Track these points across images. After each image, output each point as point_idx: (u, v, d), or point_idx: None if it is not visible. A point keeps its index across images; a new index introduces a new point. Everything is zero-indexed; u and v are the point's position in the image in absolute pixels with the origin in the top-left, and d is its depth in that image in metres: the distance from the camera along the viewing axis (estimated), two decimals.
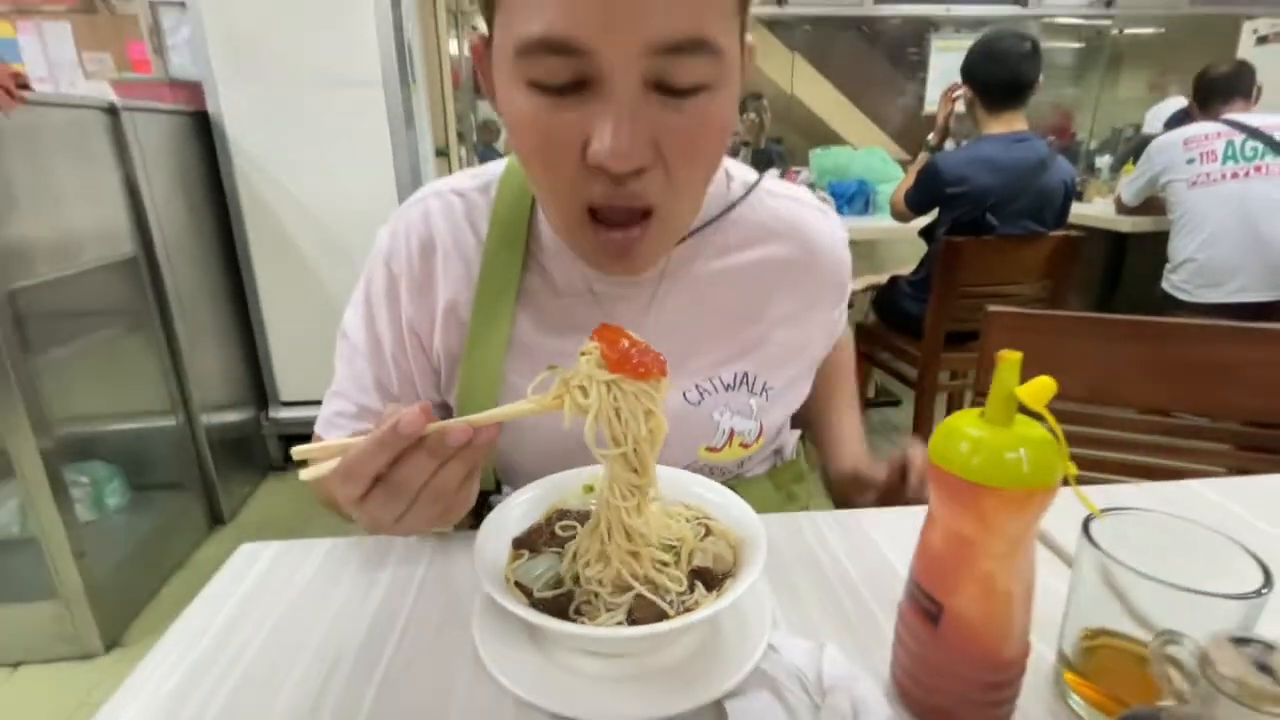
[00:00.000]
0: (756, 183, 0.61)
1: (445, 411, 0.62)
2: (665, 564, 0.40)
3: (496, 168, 0.60)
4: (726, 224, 0.59)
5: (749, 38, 0.46)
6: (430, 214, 0.58)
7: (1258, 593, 0.31)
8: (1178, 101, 3.54)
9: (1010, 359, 0.30)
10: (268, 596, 0.48)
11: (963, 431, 0.32)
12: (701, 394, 0.59)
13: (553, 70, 0.39)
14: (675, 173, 0.43)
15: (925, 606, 0.34)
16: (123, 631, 1.56)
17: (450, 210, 0.58)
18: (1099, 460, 0.96)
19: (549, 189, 0.45)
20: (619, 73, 0.38)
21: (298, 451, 0.40)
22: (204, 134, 1.96)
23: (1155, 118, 3.58)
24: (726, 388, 0.59)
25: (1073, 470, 0.31)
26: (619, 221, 0.45)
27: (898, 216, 2.08)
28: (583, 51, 0.37)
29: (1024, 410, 0.31)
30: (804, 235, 0.61)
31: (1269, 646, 0.25)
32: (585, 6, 0.37)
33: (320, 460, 0.39)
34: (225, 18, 1.87)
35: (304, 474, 0.40)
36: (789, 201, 0.62)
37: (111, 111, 1.61)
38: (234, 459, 2.06)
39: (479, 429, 0.38)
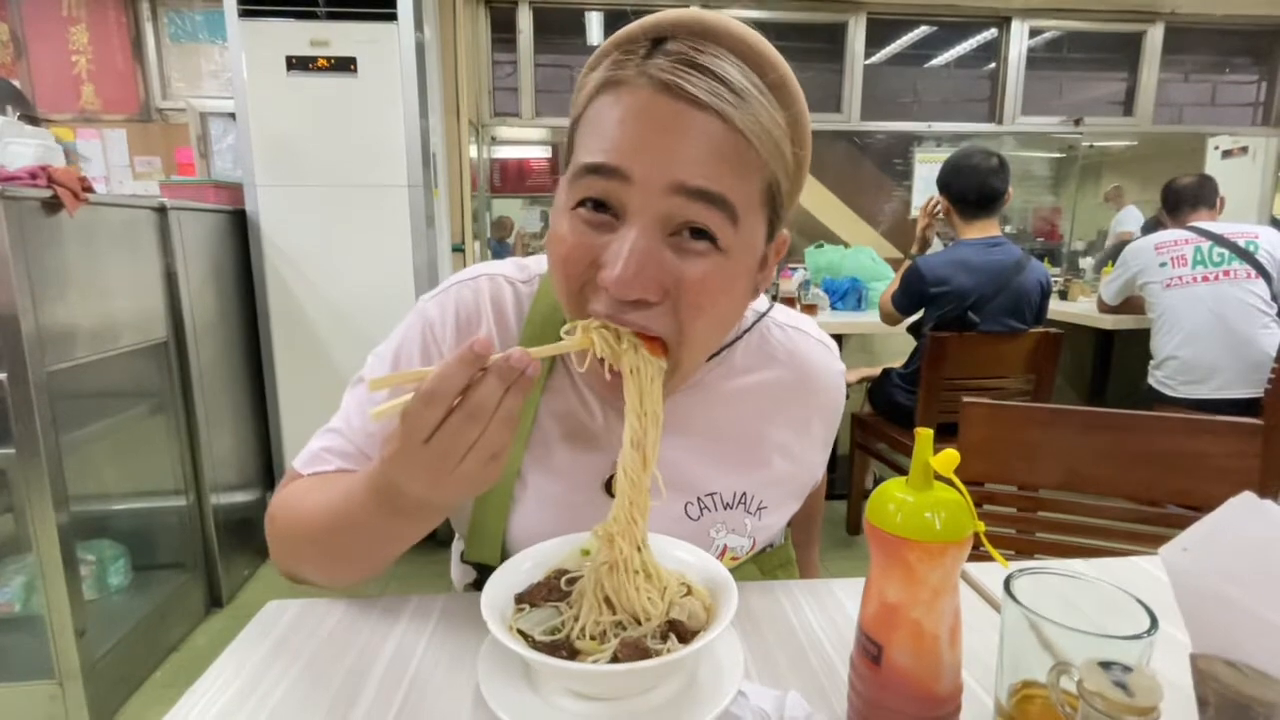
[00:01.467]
0: (766, 311, 0.66)
1: None
2: (651, 598, 0.46)
3: (540, 265, 0.64)
4: (736, 347, 0.63)
5: (785, 232, 0.53)
6: (481, 293, 0.62)
7: (1147, 633, 0.37)
8: (1132, 211, 3.78)
9: (924, 435, 0.38)
10: (292, 647, 0.53)
11: (891, 495, 0.39)
12: (702, 509, 0.62)
13: (594, 187, 0.46)
14: (682, 316, 0.48)
15: (868, 649, 0.39)
16: (112, 715, 1.54)
17: (500, 295, 0.62)
18: (1072, 546, 1.01)
19: (564, 297, 0.50)
20: (644, 207, 0.45)
21: (375, 381, 0.43)
22: (240, 230, 2.12)
23: (1119, 224, 3.81)
24: (726, 506, 0.62)
25: (980, 527, 0.37)
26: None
27: (886, 318, 2.18)
28: (621, 175, 0.45)
29: (940, 478, 0.38)
30: (806, 365, 0.65)
31: (1126, 669, 0.31)
32: (631, 145, 0.44)
33: (393, 390, 0.42)
34: (269, 127, 2.07)
35: (374, 410, 0.41)
36: (795, 332, 0.67)
37: (161, 210, 1.76)
38: (237, 540, 2.09)
39: (532, 358, 0.41)
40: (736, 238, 0.47)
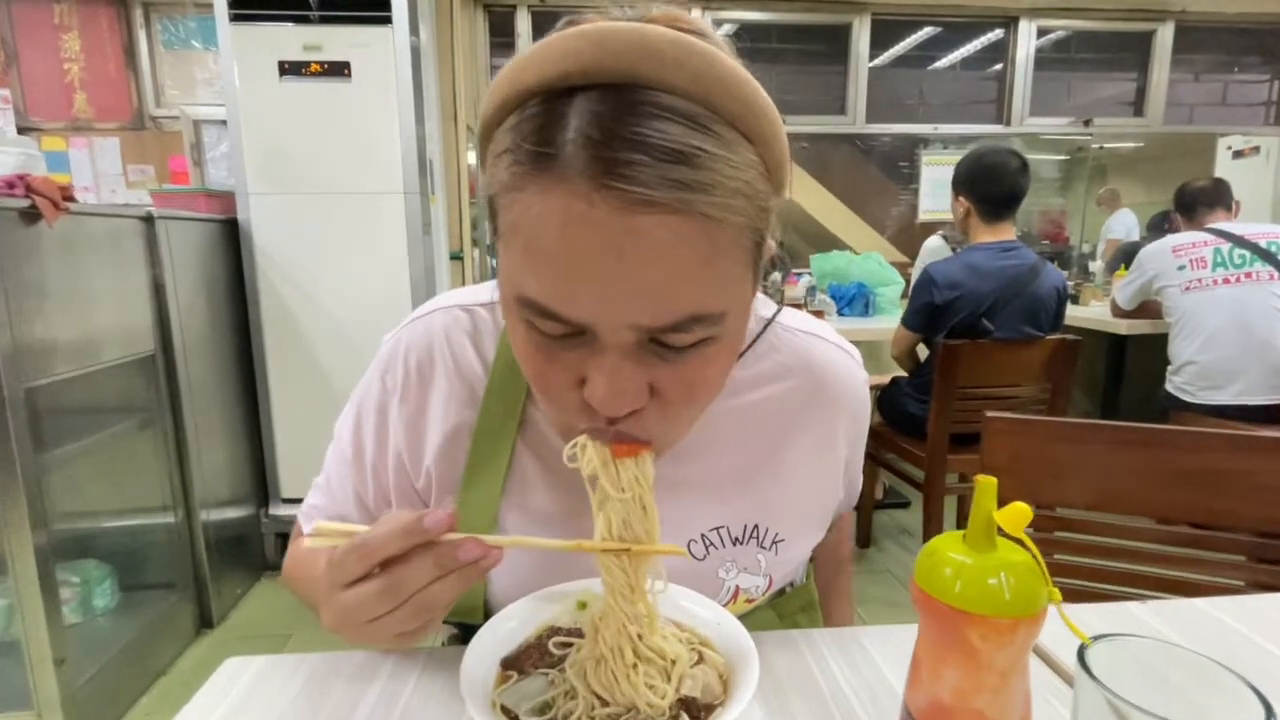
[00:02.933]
0: (773, 318, 0.58)
1: None
2: (653, 684, 0.40)
3: None
4: (741, 363, 0.55)
5: (770, 243, 0.42)
6: (433, 330, 0.55)
7: None
8: (1125, 216, 3.73)
9: (985, 484, 0.31)
10: (253, 712, 0.47)
11: (946, 556, 0.32)
12: (708, 548, 0.55)
13: (547, 326, 0.38)
14: (670, 411, 0.41)
15: None
16: None
17: (455, 328, 0.55)
18: (1106, 570, 0.94)
19: (546, 409, 0.45)
20: (613, 339, 0.37)
21: (320, 528, 0.40)
22: (232, 239, 2.06)
23: (1108, 230, 3.75)
24: (735, 542, 0.55)
25: (1057, 596, 0.31)
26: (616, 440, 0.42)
27: (901, 353, 2.08)
28: (574, 323, 0.37)
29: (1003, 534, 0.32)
30: (823, 372, 0.57)
31: None
32: (577, 292, 0.36)
33: (336, 536, 0.40)
34: (261, 134, 2.01)
35: (309, 541, 0.40)
36: (807, 337, 0.58)
37: (147, 220, 1.71)
38: (229, 558, 2.02)
39: (489, 549, 0.37)
40: (724, 326, 0.39)
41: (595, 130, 0.34)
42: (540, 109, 0.36)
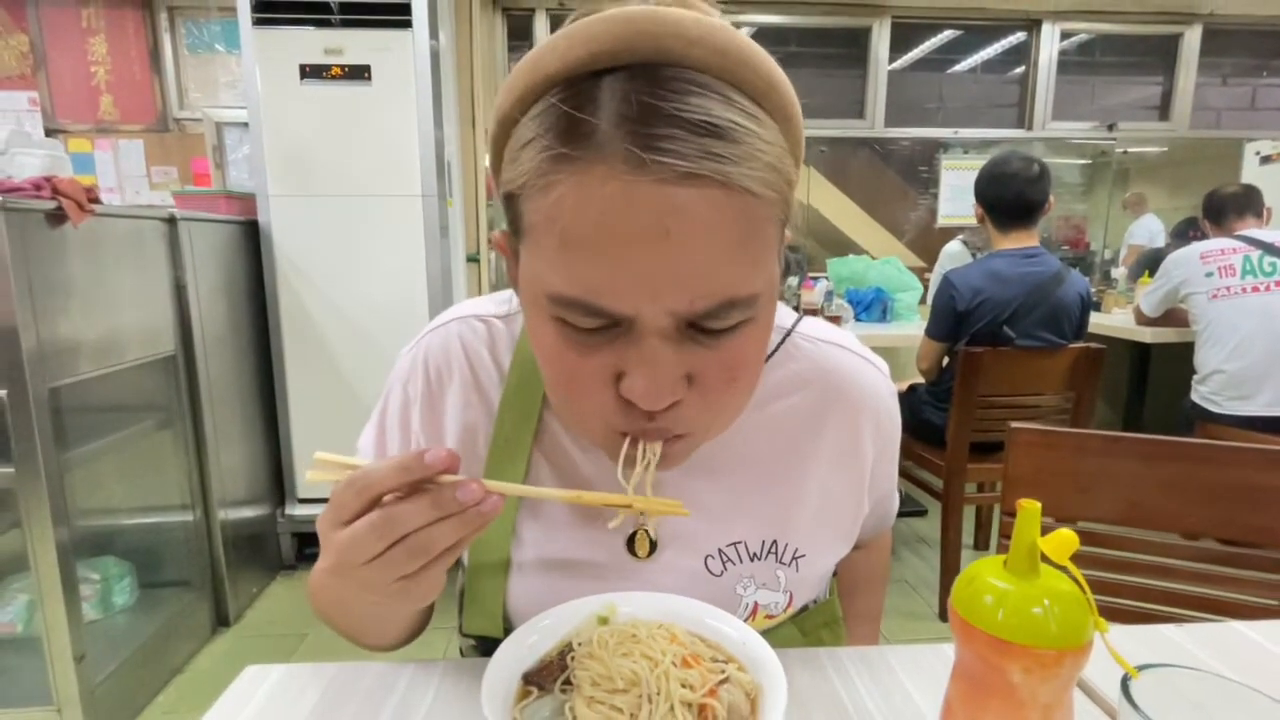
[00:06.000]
0: (793, 327, 0.56)
1: None
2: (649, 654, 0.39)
3: None
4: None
5: (788, 233, 0.42)
6: (450, 339, 0.55)
7: None
8: (1149, 221, 3.66)
9: (1029, 509, 0.30)
10: (273, 718, 0.47)
11: (986, 583, 0.31)
12: (725, 563, 0.53)
13: (582, 320, 0.37)
14: (711, 399, 0.40)
15: None
16: None
17: (472, 337, 0.55)
18: (1135, 587, 0.92)
19: (573, 411, 0.43)
20: (651, 327, 0.37)
21: (319, 458, 0.39)
22: (253, 241, 2.08)
23: (1131, 236, 3.68)
24: (753, 557, 0.54)
25: (1104, 627, 0.30)
26: (649, 438, 0.42)
27: (930, 366, 2.04)
28: (615, 314, 0.37)
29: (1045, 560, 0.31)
30: (842, 382, 0.55)
31: None
32: (619, 281, 0.35)
33: (334, 469, 0.39)
34: (282, 136, 2.03)
35: (310, 474, 0.39)
36: (829, 347, 0.56)
37: (170, 221, 1.73)
38: (246, 557, 2.04)
39: (489, 493, 0.36)
40: (760, 306, 0.39)
41: (630, 109, 0.34)
42: (568, 93, 0.36)
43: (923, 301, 2.70)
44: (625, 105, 0.34)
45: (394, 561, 0.36)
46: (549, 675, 0.42)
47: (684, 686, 0.38)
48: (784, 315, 0.57)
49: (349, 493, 0.36)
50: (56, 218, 1.37)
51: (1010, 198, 1.85)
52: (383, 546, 0.36)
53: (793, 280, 2.92)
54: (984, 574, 0.31)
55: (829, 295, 2.68)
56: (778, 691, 0.38)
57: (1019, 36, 3.42)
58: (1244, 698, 0.34)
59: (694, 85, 0.34)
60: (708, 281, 0.36)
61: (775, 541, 0.54)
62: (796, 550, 0.55)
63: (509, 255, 0.44)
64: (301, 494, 2.22)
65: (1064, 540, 0.29)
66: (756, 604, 0.54)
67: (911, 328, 2.48)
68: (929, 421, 2.06)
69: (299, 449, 2.19)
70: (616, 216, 0.34)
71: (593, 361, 0.39)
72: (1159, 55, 3.47)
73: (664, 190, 0.33)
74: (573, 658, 0.43)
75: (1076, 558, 0.29)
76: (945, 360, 2.04)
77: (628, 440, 0.41)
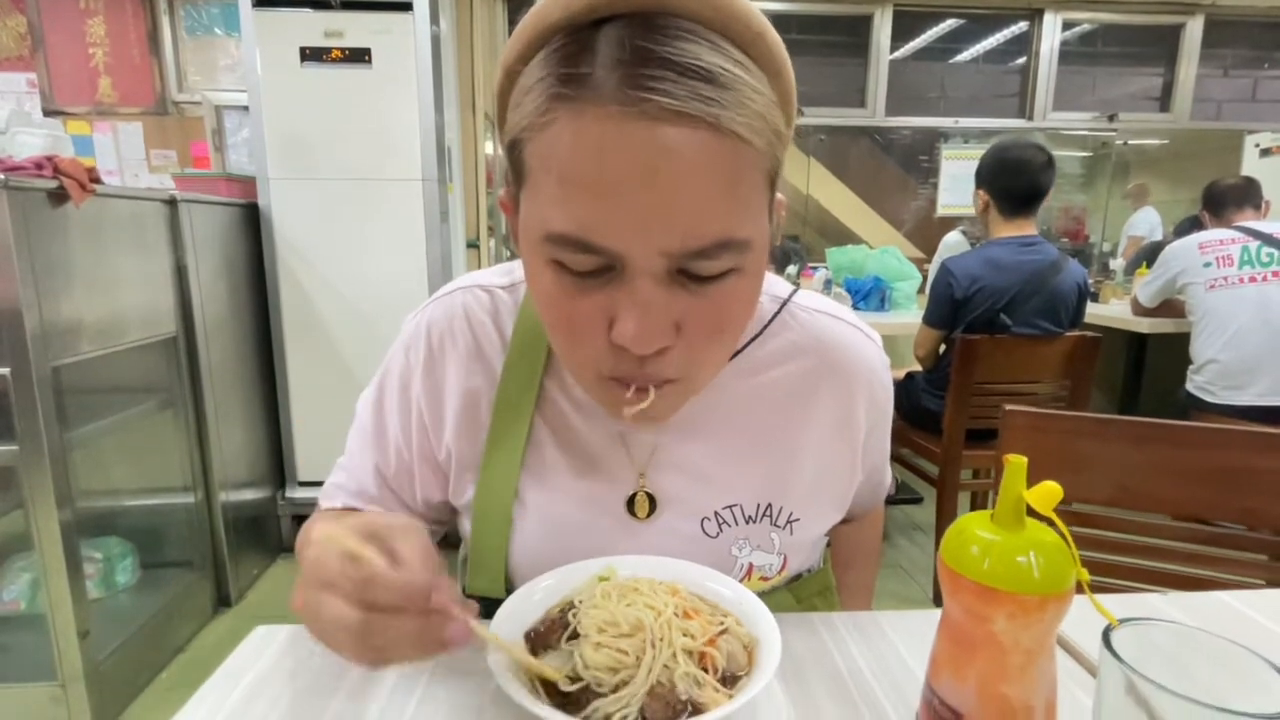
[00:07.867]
0: (789, 298, 0.58)
1: (446, 512, 0.62)
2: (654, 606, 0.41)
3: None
4: (757, 341, 0.56)
5: (780, 196, 0.45)
6: (454, 308, 0.57)
7: None
8: (1149, 213, 3.66)
9: (1016, 463, 0.31)
10: (282, 677, 0.48)
11: (974, 534, 0.32)
12: (720, 525, 0.55)
13: (578, 260, 0.39)
14: (697, 348, 0.42)
15: (943, 715, 0.33)
16: (116, 718, 1.51)
17: (476, 306, 0.57)
18: (1125, 567, 0.93)
19: (571, 356, 0.45)
20: (645, 264, 0.38)
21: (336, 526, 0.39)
22: (253, 224, 2.08)
23: (1131, 228, 3.69)
24: (748, 520, 0.55)
25: (1085, 576, 0.31)
26: (639, 385, 0.44)
27: (927, 354, 2.05)
28: (608, 251, 0.38)
29: (1033, 514, 0.32)
30: (837, 350, 0.57)
31: None
32: (612, 218, 0.37)
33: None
34: (282, 120, 2.03)
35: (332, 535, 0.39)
36: (824, 317, 0.58)
37: (170, 203, 1.73)
38: (247, 539, 2.06)
39: (471, 636, 0.37)
40: (749, 256, 0.41)
41: (624, 52, 0.36)
42: (568, 39, 0.38)
43: (921, 291, 2.71)
44: (620, 49, 0.36)
45: (356, 652, 0.37)
46: (552, 633, 0.44)
47: (685, 635, 0.39)
48: (781, 286, 0.59)
49: (349, 572, 0.36)
50: (58, 197, 1.37)
51: (1023, 185, 1.85)
52: (349, 639, 0.36)
53: (792, 269, 2.93)
54: (971, 526, 0.33)
55: (828, 284, 2.70)
56: (773, 645, 0.39)
57: (1021, 26, 3.41)
58: (1219, 649, 0.35)
59: (686, 32, 0.37)
60: (698, 222, 0.37)
61: (770, 505, 0.56)
62: (791, 514, 0.56)
63: (510, 211, 0.46)
64: (302, 477, 2.23)
65: (1048, 491, 0.30)
66: (751, 565, 0.56)
67: (909, 316, 2.49)
68: (926, 409, 2.08)
69: (299, 432, 2.20)
70: (609, 154, 0.36)
71: (587, 304, 0.40)
72: (1160, 46, 3.47)
73: (654, 129, 0.35)
74: (574, 614, 0.44)
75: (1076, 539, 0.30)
76: (942, 348, 2.05)
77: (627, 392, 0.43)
